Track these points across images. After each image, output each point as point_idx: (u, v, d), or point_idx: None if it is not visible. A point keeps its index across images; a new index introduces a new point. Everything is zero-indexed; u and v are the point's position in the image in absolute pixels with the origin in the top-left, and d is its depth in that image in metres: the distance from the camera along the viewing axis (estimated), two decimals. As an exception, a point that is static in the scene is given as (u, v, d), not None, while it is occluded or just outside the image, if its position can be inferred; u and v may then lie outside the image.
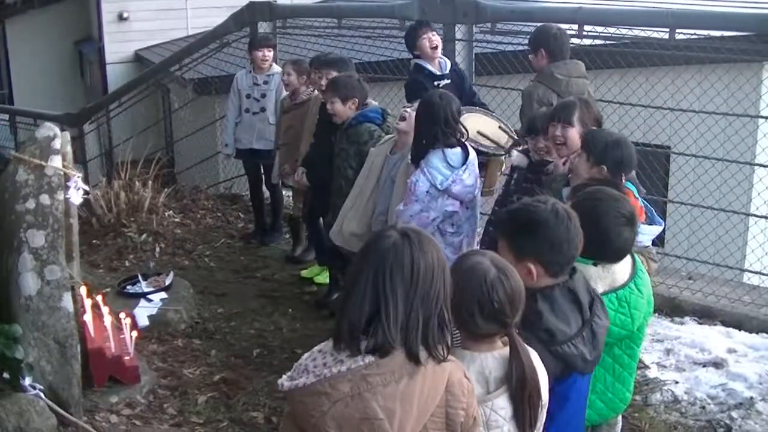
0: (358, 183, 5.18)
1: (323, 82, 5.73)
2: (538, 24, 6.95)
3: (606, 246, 3.04)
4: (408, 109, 4.86)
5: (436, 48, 5.83)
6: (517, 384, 2.41)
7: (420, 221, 4.43)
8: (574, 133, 4.15)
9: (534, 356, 2.51)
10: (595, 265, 3.07)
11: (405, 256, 2.13)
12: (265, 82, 7.13)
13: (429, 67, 5.81)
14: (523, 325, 2.53)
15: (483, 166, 4.78)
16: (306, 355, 2.20)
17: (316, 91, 6.24)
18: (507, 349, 2.46)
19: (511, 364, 2.42)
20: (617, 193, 3.23)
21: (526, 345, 2.49)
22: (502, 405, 2.41)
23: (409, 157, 4.68)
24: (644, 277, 3.19)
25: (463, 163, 4.50)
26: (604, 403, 3.21)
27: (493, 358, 2.44)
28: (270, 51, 7.20)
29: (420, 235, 2.21)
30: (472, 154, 4.58)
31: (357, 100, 5.31)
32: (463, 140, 4.57)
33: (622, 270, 3.13)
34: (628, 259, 3.18)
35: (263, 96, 7.14)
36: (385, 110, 5.64)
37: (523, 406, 2.42)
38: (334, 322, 2.23)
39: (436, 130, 4.47)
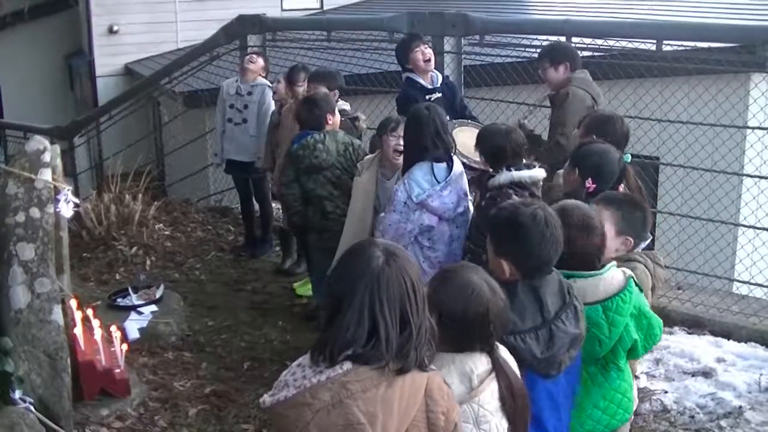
0: (355, 210, 5.10)
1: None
2: (528, 36, 7.01)
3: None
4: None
5: (428, 61, 5.77)
6: (509, 401, 2.45)
7: (398, 231, 4.47)
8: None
9: (515, 365, 2.55)
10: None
11: (396, 277, 2.17)
12: (249, 93, 7.11)
13: (420, 80, 5.77)
14: None
15: (474, 182, 4.74)
16: (285, 371, 2.23)
17: (291, 102, 6.35)
18: None
19: (498, 382, 2.46)
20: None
21: (506, 357, 2.53)
22: (488, 399, 2.44)
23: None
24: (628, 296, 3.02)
25: (445, 179, 4.49)
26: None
27: (471, 357, 2.47)
28: (257, 57, 7.23)
29: (400, 251, 2.26)
30: (456, 170, 4.56)
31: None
32: (452, 154, 4.57)
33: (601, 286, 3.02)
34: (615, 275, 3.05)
35: (245, 107, 7.14)
36: (357, 117, 5.81)
37: (516, 419, 2.46)
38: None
39: (425, 143, 4.47)
